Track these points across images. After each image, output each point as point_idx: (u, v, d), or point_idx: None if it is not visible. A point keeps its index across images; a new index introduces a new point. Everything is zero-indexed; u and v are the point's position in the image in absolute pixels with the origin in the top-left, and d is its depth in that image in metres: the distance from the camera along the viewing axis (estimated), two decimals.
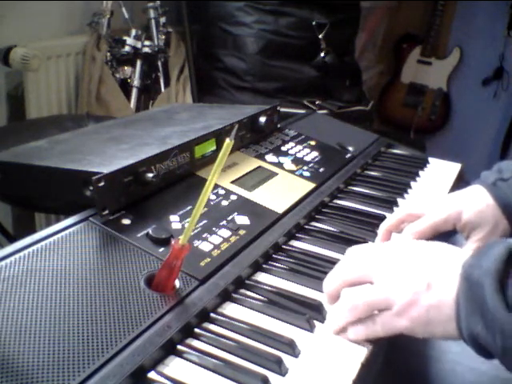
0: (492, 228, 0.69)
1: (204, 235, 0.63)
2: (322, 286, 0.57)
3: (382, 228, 0.73)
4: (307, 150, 0.96)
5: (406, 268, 0.50)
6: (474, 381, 0.62)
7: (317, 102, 1.78)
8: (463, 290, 0.46)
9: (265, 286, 0.60)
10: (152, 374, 0.46)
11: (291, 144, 0.96)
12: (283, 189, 0.80)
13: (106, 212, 0.61)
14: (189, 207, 0.67)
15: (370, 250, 0.56)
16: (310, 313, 0.56)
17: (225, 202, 0.72)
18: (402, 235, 0.71)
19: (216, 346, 0.50)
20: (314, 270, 0.64)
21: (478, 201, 0.70)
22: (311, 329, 0.54)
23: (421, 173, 1.00)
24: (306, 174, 0.87)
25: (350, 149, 1.02)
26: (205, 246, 0.62)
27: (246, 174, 0.81)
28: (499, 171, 0.73)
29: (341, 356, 0.51)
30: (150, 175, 0.65)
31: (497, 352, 0.44)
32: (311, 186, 0.84)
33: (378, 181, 0.95)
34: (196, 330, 0.52)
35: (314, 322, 0.55)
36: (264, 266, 0.65)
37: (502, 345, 0.43)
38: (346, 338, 0.53)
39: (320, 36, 1.78)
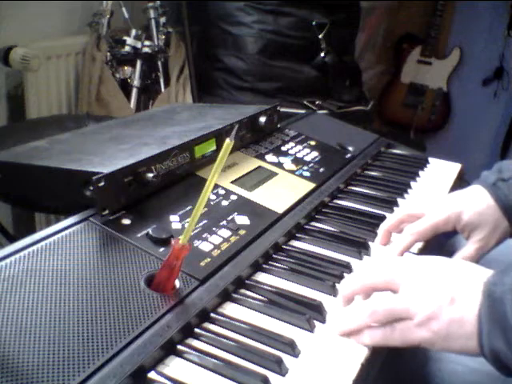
0: (492, 229, 0.69)
1: (204, 235, 0.63)
2: (341, 288, 0.58)
3: (382, 228, 0.74)
4: (307, 150, 0.96)
5: (430, 281, 0.50)
6: (474, 381, 0.62)
7: (317, 102, 1.78)
8: (485, 307, 0.46)
9: (265, 286, 0.60)
10: (152, 374, 0.46)
11: (291, 144, 0.96)
12: (283, 189, 0.80)
13: (106, 212, 0.61)
14: (189, 207, 0.67)
15: (395, 260, 0.56)
16: (309, 313, 0.56)
17: (225, 202, 0.72)
18: (402, 235, 0.71)
19: (216, 346, 0.50)
20: (314, 270, 0.64)
21: (478, 201, 0.70)
22: (311, 329, 0.54)
23: (421, 173, 1.00)
24: (306, 173, 0.87)
25: (350, 149, 1.02)
26: (205, 246, 0.61)
27: (246, 174, 0.81)
28: (499, 171, 0.73)
29: (341, 356, 0.51)
30: (150, 175, 0.65)
31: None
32: (311, 186, 0.84)
33: (377, 181, 0.95)
34: (196, 330, 0.52)
35: (314, 321, 0.55)
36: (264, 265, 0.65)
37: None
38: (358, 341, 0.53)
39: (320, 36, 1.78)
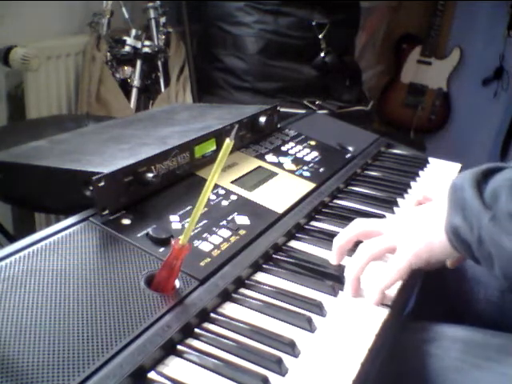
0: None
1: (204, 235, 0.63)
2: (333, 242, 0.66)
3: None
4: (307, 150, 0.96)
5: (409, 219, 0.62)
6: (477, 378, 0.62)
7: (317, 102, 1.78)
8: (448, 197, 0.56)
9: (265, 286, 0.60)
10: (152, 374, 0.46)
11: (291, 144, 0.96)
12: (283, 189, 0.80)
13: (106, 212, 0.61)
14: (189, 207, 0.67)
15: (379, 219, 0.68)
16: (310, 313, 0.56)
17: (225, 202, 0.72)
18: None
19: (216, 346, 0.50)
20: (314, 270, 0.64)
21: None
22: (311, 329, 0.54)
23: (421, 173, 1.00)
24: (306, 174, 0.87)
25: (350, 149, 1.02)
26: (205, 246, 0.61)
27: (246, 174, 0.81)
28: None
29: (341, 356, 0.51)
30: (150, 175, 0.65)
31: (473, 242, 0.52)
32: (311, 186, 0.84)
33: (377, 181, 0.95)
34: (196, 330, 0.52)
35: (314, 321, 0.55)
36: (264, 266, 0.65)
37: (477, 234, 0.51)
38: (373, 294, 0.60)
39: (320, 36, 1.78)
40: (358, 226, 0.66)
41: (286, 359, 0.49)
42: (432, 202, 0.65)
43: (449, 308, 0.83)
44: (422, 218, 0.62)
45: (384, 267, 0.60)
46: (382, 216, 0.80)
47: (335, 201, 0.86)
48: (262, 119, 0.93)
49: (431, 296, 0.85)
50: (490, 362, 0.57)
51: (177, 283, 0.54)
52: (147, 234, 0.60)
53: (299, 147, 0.96)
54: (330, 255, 0.67)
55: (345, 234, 0.66)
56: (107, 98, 1.53)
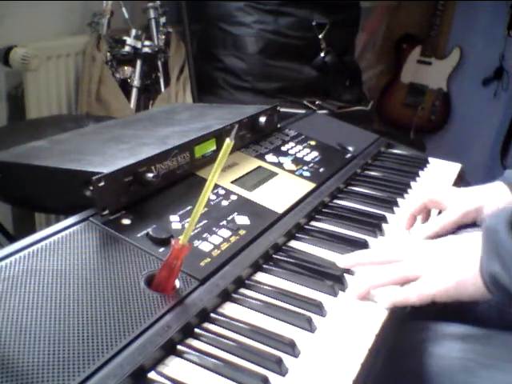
0: None
1: (204, 235, 0.63)
2: (354, 256, 0.65)
3: (408, 212, 0.79)
4: (307, 150, 0.96)
5: (437, 252, 0.60)
6: (475, 382, 0.62)
7: (317, 102, 1.78)
8: (483, 240, 0.54)
9: (265, 286, 0.60)
10: (152, 374, 0.46)
11: (291, 144, 0.96)
12: (283, 189, 0.80)
13: (106, 212, 0.61)
14: (189, 207, 0.67)
15: (408, 245, 0.65)
16: (310, 313, 0.56)
17: (225, 202, 0.72)
18: (426, 227, 0.76)
19: (216, 346, 0.50)
20: (314, 270, 0.64)
21: (499, 197, 0.73)
22: (311, 329, 0.54)
23: (421, 173, 1.00)
24: (306, 173, 0.87)
25: (350, 149, 1.02)
26: (205, 246, 0.61)
27: (246, 174, 0.81)
28: None
29: (341, 356, 0.51)
30: (150, 175, 0.65)
31: None
32: (311, 185, 0.84)
33: (377, 181, 0.95)
34: (196, 330, 0.52)
35: (314, 321, 0.55)
36: (264, 266, 0.65)
37: None
38: (380, 302, 0.59)
39: (320, 36, 1.78)
40: (385, 254, 0.64)
41: (286, 359, 0.49)
42: (465, 236, 0.61)
43: (449, 308, 0.83)
44: (454, 252, 0.59)
45: (408, 288, 0.59)
46: (382, 216, 0.80)
47: (335, 201, 0.86)
48: (262, 119, 0.93)
49: None
50: (493, 360, 0.58)
51: (177, 283, 0.54)
52: (147, 234, 0.60)
53: (299, 147, 0.96)
54: (335, 256, 0.68)
55: (369, 256, 0.65)
56: (107, 98, 1.53)
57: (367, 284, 0.60)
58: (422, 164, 1.05)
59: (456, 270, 0.57)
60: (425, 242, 0.64)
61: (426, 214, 0.80)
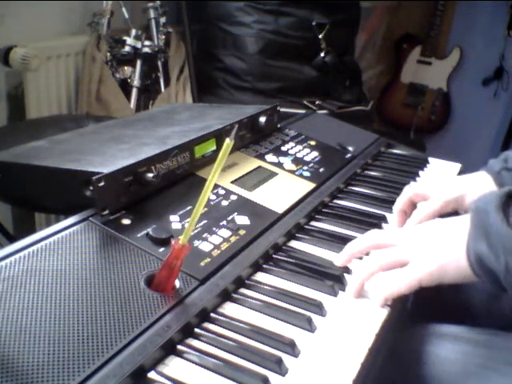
0: None
1: (204, 235, 0.63)
2: (346, 247, 0.65)
3: (396, 210, 0.78)
4: (307, 150, 0.96)
5: (427, 242, 0.59)
6: (475, 382, 0.62)
7: (317, 102, 1.78)
8: (471, 219, 0.53)
9: (265, 286, 0.60)
10: (152, 374, 0.46)
11: (291, 144, 0.96)
12: (283, 189, 0.80)
13: (106, 212, 0.61)
14: (189, 207, 0.67)
15: (396, 230, 0.67)
16: (310, 312, 0.56)
17: (225, 202, 0.72)
18: (412, 217, 0.75)
19: (216, 346, 0.50)
20: (314, 270, 0.64)
21: (482, 186, 0.73)
22: (311, 329, 0.54)
23: (421, 173, 1.00)
24: (306, 174, 0.87)
25: (350, 149, 1.02)
26: (205, 246, 0.62)
27: (246, 174, 0.81)
28: (505, 160, 0.75)
29: (341, 356, 0.51)
30: (150, 175, 0.65)
31: (500, 270, 0.49)
32: (311, 185, 0.84)
33: (377, 181, 0.95)
34: (196, 329, 0.52)
35: (314, 321, 0.55)
36: (264, 265, 0.65)
37: (504, 262, 0.48)
38: (375, 297, 0.59)
39: (320, 36, 1.78)
40: (373, 238, 0.64)
41: (286, 359, 0.49)
42: (452, 219, 0.61)
43: (449, 308, 0.83)
44: (439, 236, 0.59)
45: (393, 275, 0.59)
46: (382, 216, 0.80)
47: (335, 201, 0.86)
48: (262, 119, 0.93)
49: (431, 296, 0.85)
50: (493, 362, 0.57)
51: (177, 283, 0.54)
52: (147, 234, 0.60)
53: (299, 147, 0.96)
54: (334, 256, 0.67)
55: (358, 244, 0.65)
56: (107, 98, 1.53)
57: (358, 279, 0.60)
58: (422, 164, 1.05)
59: (439, 253, 0.57)
60: (413, 227, 0.64)
61: (413, 208, 0.79)
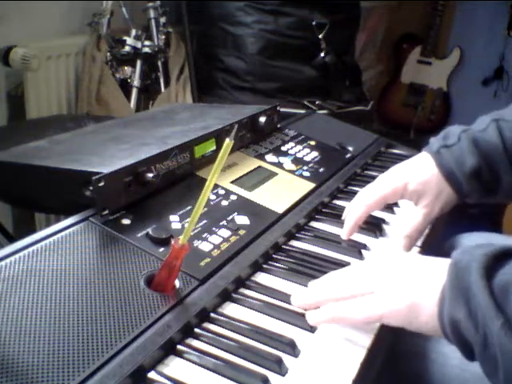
0: (436, 195, 0.71)
1: (204, 235, 0.63)
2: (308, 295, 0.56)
3: (351, 221, 0.73)
4: (307, 150, 0.96)
5: (396, 275, 0.51)
6: (476, 382, 0.62)
7: (317, 102, 1.78)
8: (449, 276, 0.45)
9: (265, 286, 0.60)
10: (152, 374, 0.46)
11: (291, 144, 0.96)
12: (283, 189, 0.80)
13: (106, 212, 0.61)
14: (189, 207, 0.67)
15: (358, 270, 0.55)
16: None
17: (225, 202, 0.72)
18: (353, 209, 0.73)
19: (216, 346, 0.50)
20: (314, 270, 0.64)
21: (422, 171, 0.72)
22: (311, 329, 0.54)
23: None
24: (306, 174, 0.87)
25: (350, 149, 1.02)
26: (205, 246, 0.62)
27: (246, 173, 0.81)
28: (445, 137, 0.74)
29: (341, 356, 0.51)
30: (150, 175, 0.65)
31: (477, 345, 0.43)
32: (311, 185, 0.84)
33: None
34: (196, 329, 0.52)
35: None
36: (264, 265, 0.65)
37: (483, 335, 0.42)
38: (314, 317, 0.53)
39: (320, 36, 1.78)
40: (330, 288, 0.54)
41: (286, 359, 0.49)
42: (427, 259, 0.52)
43: None
44: (411, 273, 0.50)
45: (353, 302, 0.52)
46: (381, 219, 0.80)
47: (335, 201, 0.86)
48: (262, 119, 0.93)
49: None
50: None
51: (177, 283, 0.54)
52: (147, 234, 0.60)
53: (299, 147, 0.96)
54: (334, 256, 0.67)
55: (311, 297, 0.55)
56: (107, 98, 1.53)
57: (304, 300, 0.55)
58: None
59: (412, 292, 0.48)
60: (382, 260, 0.55)
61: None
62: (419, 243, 0.74)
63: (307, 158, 0.93)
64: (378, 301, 0.50)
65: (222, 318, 0.54)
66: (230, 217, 0.69)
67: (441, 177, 0.71)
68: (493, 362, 0.42)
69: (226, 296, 0.58)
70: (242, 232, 0.66)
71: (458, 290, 0.44)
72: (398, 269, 0.52)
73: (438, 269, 0.48)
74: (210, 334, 0.51)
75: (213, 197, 0.72)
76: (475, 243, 0.48)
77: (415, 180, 0.71)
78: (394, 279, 0.50)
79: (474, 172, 0.69)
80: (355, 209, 0.73)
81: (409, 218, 0.73)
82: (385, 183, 0.73)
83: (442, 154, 0.71)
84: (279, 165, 0.87)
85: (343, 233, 0.73)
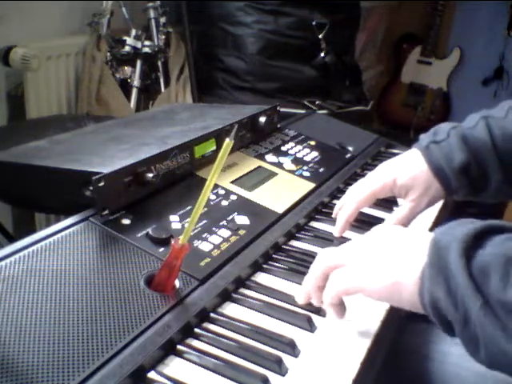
0: (424, 190, 0.71)
1: (204, 235, 0.63)
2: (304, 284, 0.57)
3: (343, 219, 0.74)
4: (307, 150, 0.96)
5: (376, 260, 0.50)
6: (475, 382, 0.62)
7: (317, 102, 1.78)
8: (430, 255, 0.45)
9: (265, 286, 0.60)
10: (152, 374, 0.46)
11: (291, 144, 0.96)
12: (283, 189, 0.80)
13: (106, 212, 0.61)
14: (189, 207, 0.67)
15: (342, 246, 0.55)
16: (310, 312, 0.56)
17: (225, 202, 0.72)
18: (344, 205, 0.74)
19: (216, 346, 0.50)
20: None
21: (411, 166, 0.72)
22: (311, 329, 0.54)
23: None
24: (306, 174, 0.87)
25: (350, 149, 1.02)
26: (205, 246, 0.62)
27: (246, 173, 0.81)
28: (434, 133, 0.74)
29: (341, 356, 0.51)
30: (150, 175, 0.65)
31: (456, 322, 0.43)
32: (311, 186, 0.84)
33: None
34: (196, 329, 0.52)
35: (314, 321, 0.55)
36: (264, 265, 0.65)
37: (462, 314, 0.42)
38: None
39: (320, 36, 1.78)
40: (323, 263, 0.54)
41: (286, 359, 0.49)
42: (407, 234, 0.52)
43: None
44: (392, 248, 0.50)
45: (337, 272, 0.52)
46: (381, 219, 0.80)
47: (335, 201, 0.86)
48: (262, 119, 0.93)
49: None
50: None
51: (177, 283, 0.54)
52: (147, 234, 0.60)
53: (299, 147, 0.96)
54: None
55: (310, 279, 0.56)
56: (107, 98, 1.53)
57: (303, 292, 0.56)
58: None
59: (395, 270, 0.48)
60: (368, 234, 0.55)
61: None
62: None
63: (307, 158, 0.93)
64: (361, 272, 0.50)
65: (222, 317, 0.54)
66: (230, 217, 0.69)
67: (429, 172, 0.71)
68: (474, 340, 0.42)
69: (226, 296, 0.58)
70: (242, 232, 0.66)
71: (438, 268, 0.44)
72: (383, 243, 0.51)
73: (420, 246, 0.47)
74: (209, 334, 0.51)
75: (213, 197, 0.72)
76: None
77: (404, 175, 0.72)
78: (378, 254, 0.50)
79: (463, 168, 0.69)
80: (346, 206, 0.74)
81: (395, 211, 0.74)
82: (374, 179, 0.74)
83: (431, 150, 0.72)
84: (279, 165, 0.87)
85: (335, 230, 0.74)
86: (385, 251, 0.50)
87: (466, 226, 0.45)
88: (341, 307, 0.54)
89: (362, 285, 0.50)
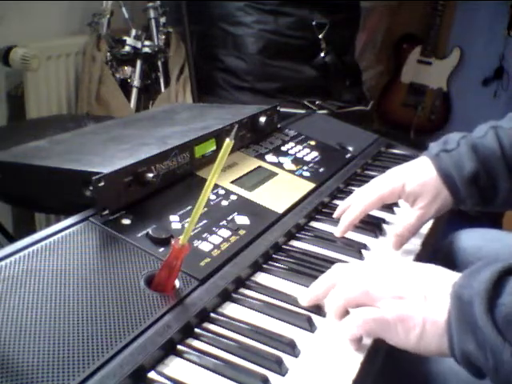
0: (433, 197, 0.71)
1: (204, 235, 0.63)
2: (325, 305, 0.56)
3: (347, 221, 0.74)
4: (307, 150, 0.96)
5: (403, 285, 0.50)
6: (475, 382, 0.62)
7: (317, 102, 1.78)
8: (454, 309, 0.46)
9: (265, 286, 0.60)
10: (152, 374, 0.46)
11: (291, 144, 0.96)
12: (283, 189, 0.80)
13: (106, 212, 0.61)
14: (189, 207, 0.67)
15: (364, 268, 0.55)
16: (310, 312, 0.56)
17: (225, 202, 0.72)
18: (351, 208, 0.74)
19: (216, 346, 0.50)
20: (314, 270, 0.64)
21: (421, 173, 0.73)
22: (311, 329, 0.54)
23: None
24: (306, 174, 0.87)
25: (350, 149, 1.02)
26: (205, 246, 0.62)
27: (246, 173, 0.81)
28: (445, 142, 0.74)
29: (341, 356, 0.51)
30: (150, 175, 0.65)
31: (489, 371, 0.44)
32: (311, 186, 0.84)
33: None
34: (196, 329, 0.52)
35: (314, 321, 0.55)
36: (264, 265, 0.65)
37: (494, 364, 0.43)
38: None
39: (320, 36, 1.78)
40: (336, 277, 0.55)
41: (286, 359, 0.49)
42: (435, 275, 0.51)
43: None
44: (423, 287, 0.50)
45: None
46: (381, 219, 0.80)
47: (335, 201, 0.86)
48: (262, 119, 0.93)
49: None
50: None
51: (177, 283, 0.54)
52: (147, 234, 0.60)
53: (299, 147, 0.96)
54: (335, 256, 0.66)
55: (321, 285, 0.56)
56: (107, 98, 1.53)
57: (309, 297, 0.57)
58: None
59: (420, 312, 0.48)
60: (387, 266, 0.54)
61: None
62: (419, 242, 0.75)
63: (307, 158, 0.93)
64: (389, 326, 0.50)
65: (222, 317, 0.54)
66: (230, 217, 0.69)
67: (439, 180, 0.71)
68: (507, 381, 0.43)
69: (225, 296, 0.58)
70: (242, 232, 0.66)
71: (465, 323, 0.45)
72: (406, 276, 0.51)
73: (441, 289, 0.48)
74: (209, 334, 0.51)
75: (213, 197, 0.72)
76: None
77: (413, 181, 0.72)
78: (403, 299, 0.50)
79: (472, 177, 0.70)
80: (352, 208, 0.73)
81: (403, 218, 0.73)
82: (383, 183, 0.74)
83: (441, 158, 0.72)
84: (279, 165, 0.87)
85: (337, 230, 0.74)
86: (410, 284, 0.50)
87: (483, 275, 0.46)
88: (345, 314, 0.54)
89: (386, 335, 0.50)
